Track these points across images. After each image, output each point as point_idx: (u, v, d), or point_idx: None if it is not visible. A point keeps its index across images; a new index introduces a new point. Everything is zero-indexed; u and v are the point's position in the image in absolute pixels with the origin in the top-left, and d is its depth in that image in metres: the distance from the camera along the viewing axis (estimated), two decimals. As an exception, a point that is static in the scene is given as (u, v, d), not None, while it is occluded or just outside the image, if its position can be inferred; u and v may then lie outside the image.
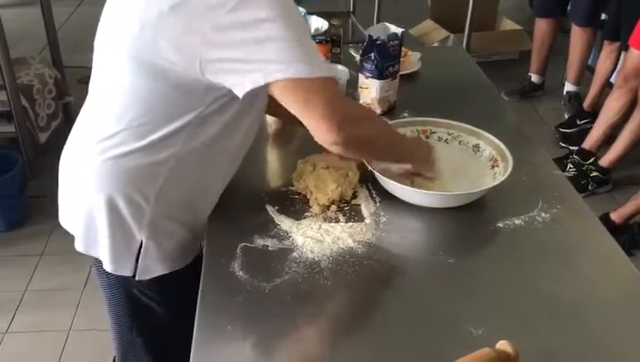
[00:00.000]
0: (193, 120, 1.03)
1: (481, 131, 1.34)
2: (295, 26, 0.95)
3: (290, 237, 1.13)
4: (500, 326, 0.96)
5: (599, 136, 2.87)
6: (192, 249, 1.21)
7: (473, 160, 1.33)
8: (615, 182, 2.88)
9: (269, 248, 1.11)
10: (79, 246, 1.18)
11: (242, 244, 1.11)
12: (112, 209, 1.08)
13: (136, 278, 1.15)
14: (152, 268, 1.15)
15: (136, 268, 1.14)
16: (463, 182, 1.27)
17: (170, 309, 1.23)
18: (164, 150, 1.05)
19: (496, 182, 1.20)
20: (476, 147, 1.34)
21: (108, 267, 1.15)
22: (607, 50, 3.08)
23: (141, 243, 1.12)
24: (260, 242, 1.12)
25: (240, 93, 0.98)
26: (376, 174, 1.22)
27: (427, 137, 1.37)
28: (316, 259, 1.08)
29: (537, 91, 3.62)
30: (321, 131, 1.00)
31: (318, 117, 0.98)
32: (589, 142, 2.90)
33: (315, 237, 1.12)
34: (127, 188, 1.07)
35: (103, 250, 1.14)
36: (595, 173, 2.83)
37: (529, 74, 3.61)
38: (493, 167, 1.29)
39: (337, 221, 1.17)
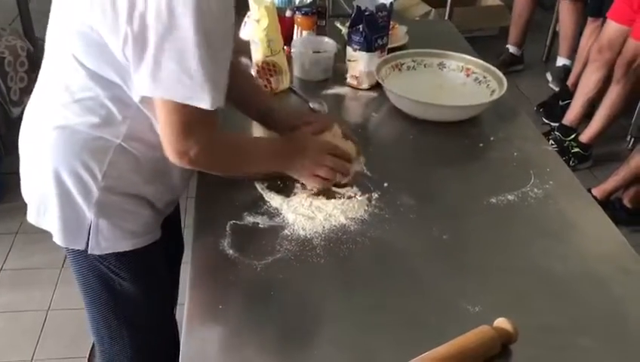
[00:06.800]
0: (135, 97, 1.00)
1: (443, 51, 1.57)
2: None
3: (281, 214, 1.10)
4: (496, 303, 0.94)
5: (578, 111, 2.87)
6: (158, 226, 1.18)
7: (439, 76, 1.55)
8: (595, 158, 2.90)
9: (260, 225, 1.08)
10: (31, 217, 1.15)
11: (231, 222, 1.08)
12: (59, 182, 1.05)
13: (88, 252, 1.11)
14: (106, 244, 1.10)
15: (88, 243, 1.10)
16: (453, 99, 1.43)
17: (140, 285, 1.19)
18: (111, 126, 1.02)
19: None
20: (441, 65, 1.56)
21: (58, 240, 1.12)
22: (591, 26, 3.07)
23: (92, 219, 1.08)
24: (249, 219, 1.09)
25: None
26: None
27: (399, 69, 1.54)
28: (308, 236, 1.05)
29: (516, 65, 3.61)
30: (167, 152, 1.02)
31: (167, 139, 1.00)
32: (569, 117, 2.91)
33: (306, 215, 1.09)
34: (73, 161, 1.03)
35: (52, 223, 1.10)
36: (576, 149, 2.84)
37: (506, 46, 3.60)
38: (468, 75, 1.53)
39: (329, 197, 1.14)
